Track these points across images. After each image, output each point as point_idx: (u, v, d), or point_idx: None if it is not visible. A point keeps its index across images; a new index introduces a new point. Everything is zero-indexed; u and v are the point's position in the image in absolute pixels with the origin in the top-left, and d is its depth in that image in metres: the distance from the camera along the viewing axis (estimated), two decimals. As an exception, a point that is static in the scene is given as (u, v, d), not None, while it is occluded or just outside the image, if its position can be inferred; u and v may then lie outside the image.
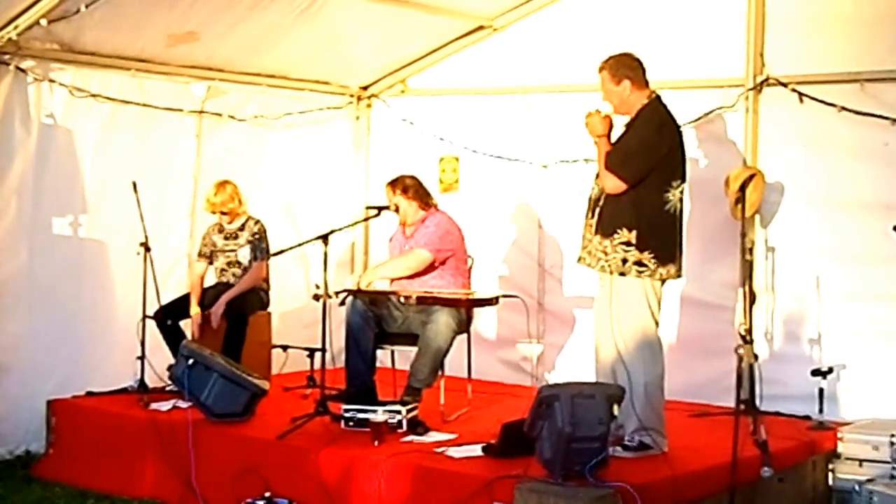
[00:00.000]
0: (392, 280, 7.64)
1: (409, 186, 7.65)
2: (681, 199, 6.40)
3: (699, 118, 8.15)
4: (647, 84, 6.48)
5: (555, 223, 8.92)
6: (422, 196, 7.69)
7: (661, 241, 6.32)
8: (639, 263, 6.28)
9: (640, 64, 6.48)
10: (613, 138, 6.49)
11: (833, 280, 7.71)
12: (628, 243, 6.27)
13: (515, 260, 9.18)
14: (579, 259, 6.60)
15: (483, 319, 8.84)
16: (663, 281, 6.38)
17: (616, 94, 6.46)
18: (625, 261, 6.28)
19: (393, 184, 7.69)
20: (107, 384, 7.97)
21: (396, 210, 7.64)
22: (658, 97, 6.47)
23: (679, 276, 6.49)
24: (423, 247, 7.51)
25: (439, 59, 9.55)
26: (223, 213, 8.34)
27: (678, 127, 6.50)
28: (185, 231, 8.76)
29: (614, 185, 6.30)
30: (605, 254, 6.34)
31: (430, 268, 7.51)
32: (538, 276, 9.04)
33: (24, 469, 7.57)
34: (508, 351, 9.12)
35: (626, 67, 6.44)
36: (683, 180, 6.42)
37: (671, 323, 8.09)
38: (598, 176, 6.50)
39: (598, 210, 6.41)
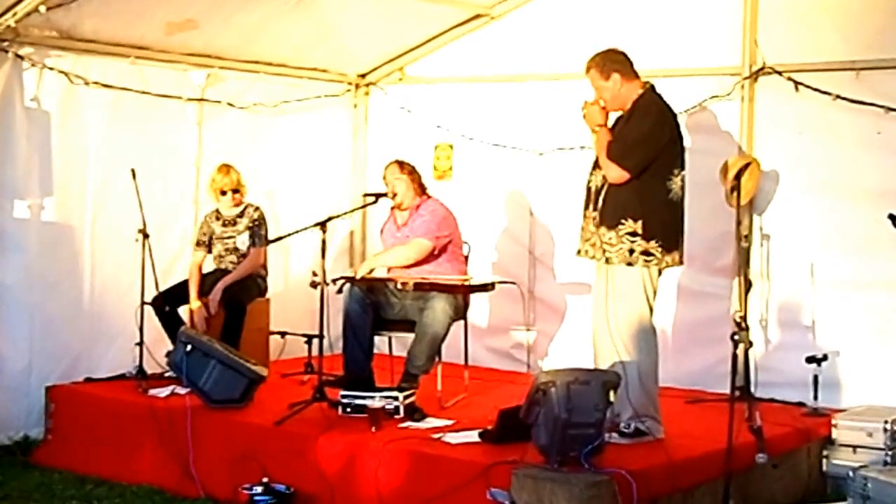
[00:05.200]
0: (389, 268, 7.67)
1: (415, 172, 7.72)
2: (682, 187, 6.42)
3: (695, 106, 8.17)
4: (637, 75, 6.47)
5: (547, 211, 8.93)
6: (421, 185, 7.74)
7: (666, 229, 6.36)
8: (646, 253, 6.30)
9: (626, 57, 6.48)
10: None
11: (828, 268, 7.74)
12: (634, 233, 6.29)
13: (507, 248, 9.19)
14: (579, 252, 6.59)
15: (475, 307, 8.86)
16: (661, 270, 6.42)
17: (608, 90, 6.45)
18: (632, 251, 6.30)
19: (401, 163, 7.72)
20: (105, 370, 8.02)
21: (394, 197, 7.66)
22: (652, 87, 6.48)
23: (682, 262, 6.52)
24: (422, 236, 7.53)
25: (437, 47, 9.55)
26: (234, 192, 8.33)
27: (675, 115, 6.51)
28: (189, 219, 8.75)
29: (618, 174, 6.30)
30: (611, 245, 6.33)
31: (430, 256, 7.53)
32: (529, 264, 9.06)
33: (23, 455, 7.58)
34: (499, 339, 9.15)
35: (613, 62, 6.44)
36: (683, 168, 6.44)
37: (667, 310, 8.11)
38: (594, 167, 6.51)
39: (600, 202, 6.41)
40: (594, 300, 6.61)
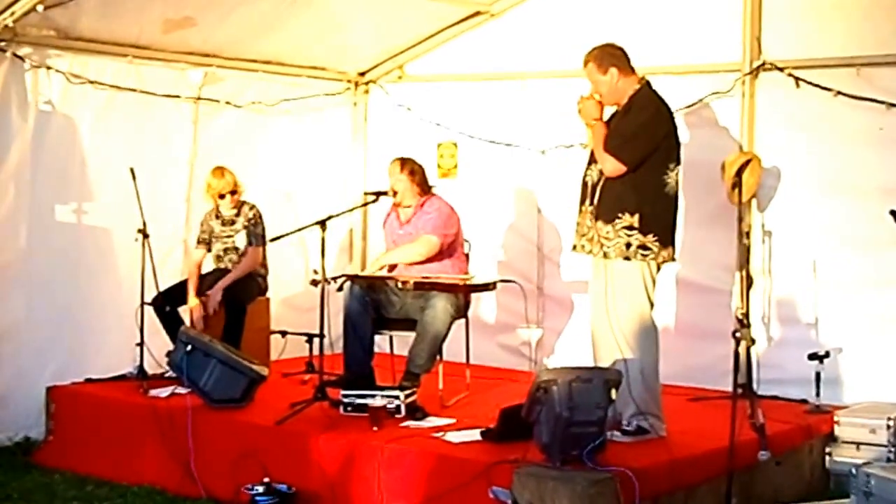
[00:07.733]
0: (390, 266, 7.65)
1: (417, 171, 7.68)
2: (677, 182, 6.42)
3: (695, 103, 8.15)
4: (633, 71, 6.49)
5: (553, 208, 8.92)
6: (423, 184, 7.70)
7: (662, 223, 6.36)
8: (643, 247, 6.29)
9: (624, 52, 6.49)
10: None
11: (830, 264, 7.73)
12: (631, 227, 6.28)
13: (514, 245, 9.18)
14: (574, 247, 6.61)
15: (482, 305, 8.84)
16: (659, 265, 6.40)
17: (605, 84, 6.45)
18: (629, 245, 6.29)
19: (403, 162, 7.69)
20: (106, 371, 7.98)
21: (394, 195, 7.64)
22: (648, 82, 6.49)
23: (674, 259, 6.51)
24: (430, 233, 7.51)
25: (437, 44, 9.54)
26: (231, 194, 8.29)
27: (671, 111, 6.52)
28: (181, 217, 8.73)
29: (614, 167, 6.29)
30: (608, 239, 6.33)
31: (437, 254, 7.51)
32: (538, 261, 9.04)
33: (24, 456, 7.57)
34: (508, 336, 9.13)
35: (611, 56, 6.45)
36: (679, 163, 6.44)
37: (669, 307, 8.11)
38: (591, 162, 6.51)
39: (596, 196, 6.41)
40: (592, 297, 6.60)
